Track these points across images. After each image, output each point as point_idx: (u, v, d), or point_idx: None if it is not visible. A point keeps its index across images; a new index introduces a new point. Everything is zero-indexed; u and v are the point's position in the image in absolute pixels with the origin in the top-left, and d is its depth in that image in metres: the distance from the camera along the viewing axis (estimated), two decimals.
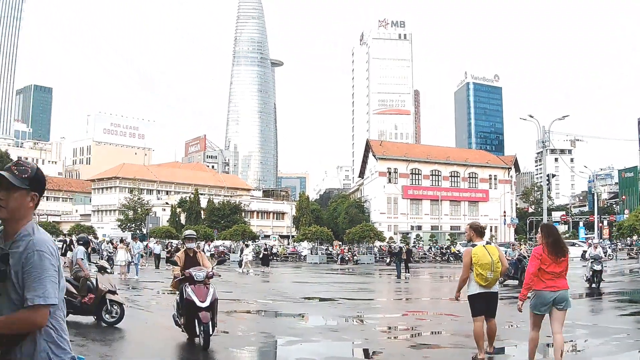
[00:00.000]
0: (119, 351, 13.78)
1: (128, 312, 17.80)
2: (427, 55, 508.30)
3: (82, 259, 17.54)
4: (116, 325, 16.20)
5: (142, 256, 46.95)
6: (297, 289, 32.54)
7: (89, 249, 19.09)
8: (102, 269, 16.91)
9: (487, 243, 12.11)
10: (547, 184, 69.87)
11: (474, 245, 11.99)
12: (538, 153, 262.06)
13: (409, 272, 45.36)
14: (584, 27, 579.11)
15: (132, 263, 38.51)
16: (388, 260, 52.80)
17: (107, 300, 16.37)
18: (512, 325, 16.02)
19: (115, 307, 16.45)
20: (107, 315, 16.39)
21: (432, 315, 21.98)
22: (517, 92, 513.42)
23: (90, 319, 16.89)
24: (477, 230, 12.25)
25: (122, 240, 41.02)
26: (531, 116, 64.34)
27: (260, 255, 58.84)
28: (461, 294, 12.29)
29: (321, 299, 27.55)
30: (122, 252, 36.69)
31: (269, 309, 23.60)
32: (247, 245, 57.14)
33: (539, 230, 11.14)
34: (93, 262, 19.07)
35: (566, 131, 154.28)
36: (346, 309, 23.45)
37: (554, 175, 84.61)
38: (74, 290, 16.76)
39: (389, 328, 18.46)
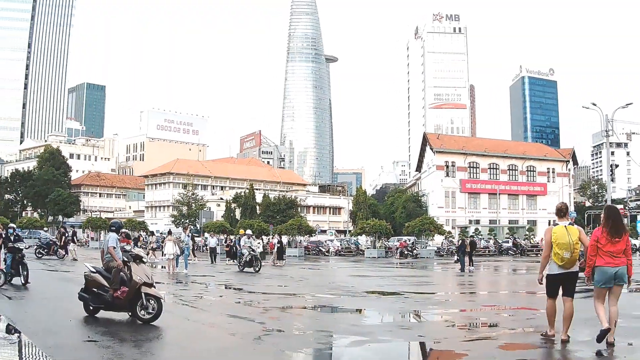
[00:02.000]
0: (150, 354, 11.56)
1: (170, 307, 16.33)
2: (481, 49, 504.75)
3: (115, 247, 15.34)
4: (152, 323, 14.11)
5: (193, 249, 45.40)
6: (357, 283, 30.43)
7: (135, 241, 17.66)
8: (137, 259, 14.75)
9: (570, 224, 12.19)
10: (610, 174, 67.20)
11: (555, 225, 12.23)
12: (595, 147, 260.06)
13: (473, 266, 43.13)
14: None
15: (181, 256, 36.60)
16: (455, 258, 49.99)
17: (143, 294, 14.33)
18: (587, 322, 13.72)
19: (152, 302, 14.37)
20: (142, 312, 14.36)
21: (510, 309, 19.54)
22: (573, 86, 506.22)
23: (124, 316, 14.88)
24: (558, 212, 12.54)
25: (170, 233, 38.59)
26: (594, 104, 62.87)
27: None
28: (544, 276, 12.45)
29: (384, 293, 25.17)
30: (170, 244, 34.70)
31: (328, 303, 21.42)
32: (257, 237, 55.65)
33: (603, 211, 11.97)
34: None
35: (624, 124, 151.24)
36: (414, 304, 21.12)
37: (617, 166, 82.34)
38: (105, 283, 14.89)
39: (469, 325, 16.10)
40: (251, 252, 37.15)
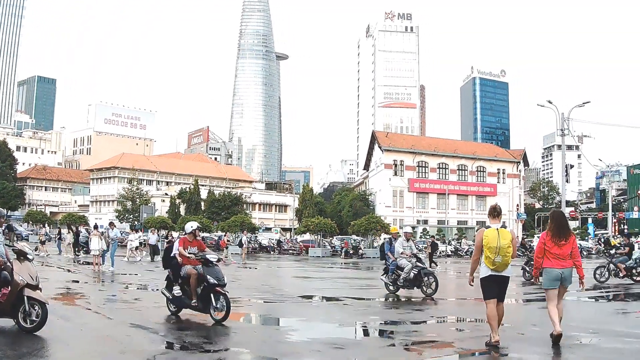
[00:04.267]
0: None
1: (70, 313, 14.56)
2: (433, 49, 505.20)
3: None
4: (36, 333, 11.69)
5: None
6: (296, 285, 28.27)
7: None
8: (20, 255, 12.23)
9: (503, 227, 12.03)
10: (565, 175, 65.97)
11: (487, 227, 12.01)
12: (545, 149, 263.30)
13: (437, 265, 43.23)
14: (590, 22, 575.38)
15: (107, 252, 34.30)
16: None
17: (25, 298, 11.82)
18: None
19: (37, 308, 11.87)
20: (24, 318, 11.91)
21: (467, 322, 16.55)
22: (524, 88, 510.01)
23: (10, 322, 12.22)
24: (491, 213, 12.39)
25: (95, 227, 36.21)
26: (550, 101, 61.12)
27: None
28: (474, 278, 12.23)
29: (322, 298, 22.91)
30: (96, 240, 32.34)
31: (256, 311, 19.08)
32: (136, 232, 53.07)
33: (549, 215, 12.72)
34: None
35: (578, 123, 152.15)
36: (354, 313, 18.50)
37: (572, 166, 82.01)
38: None
39: (416, 343, 13.19)
40: (417, 264, 22.77)
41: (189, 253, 15.32)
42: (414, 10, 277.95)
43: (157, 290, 23.86)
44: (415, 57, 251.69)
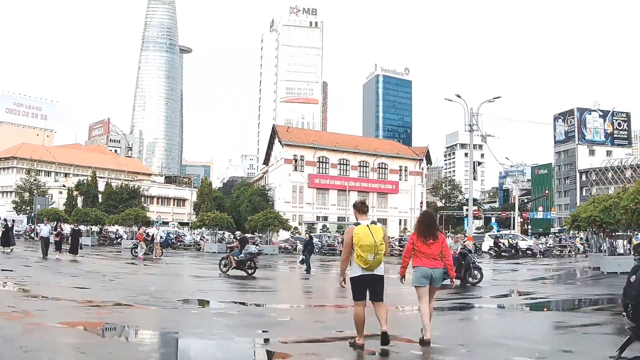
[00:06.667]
0: None
1: None
2: (337, 46, 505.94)
3: None
4: None
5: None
6: (180, 286, 26.31)
7: None
8: None
9: (373, 223, 11.31)
10: (474, 172, 65.48)
11: (357, 224, 11.16)
12: (448, 147, 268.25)
13: None
14: (493, 21, 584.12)
15: None
16: (301, 258, 45.10)
17: None
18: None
19: None
20: None
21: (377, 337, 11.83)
22: (428, 87, 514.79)
23: None
24: (358, 208, 11.51)
25: None
26: (458, 96, 60.46)
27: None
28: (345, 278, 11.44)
29: (207, 304, 20.41)
30: None
31: (122, 320, 15.07)
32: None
33: (418, 216, 12.84)
34: None
35: (481, 124, 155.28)
36: (240, 326, 14.66)
37: (479, 163, 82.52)
38: None
39: None
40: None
41: None
42: (319, 5, 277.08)
43: (23, 290, 21.16)
44: (319, 52, 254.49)
